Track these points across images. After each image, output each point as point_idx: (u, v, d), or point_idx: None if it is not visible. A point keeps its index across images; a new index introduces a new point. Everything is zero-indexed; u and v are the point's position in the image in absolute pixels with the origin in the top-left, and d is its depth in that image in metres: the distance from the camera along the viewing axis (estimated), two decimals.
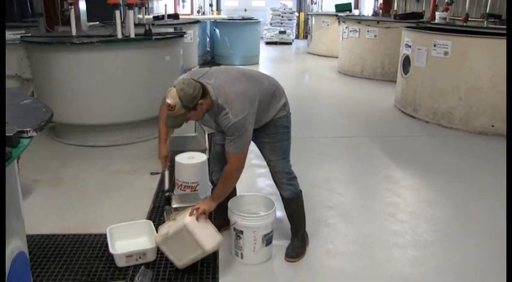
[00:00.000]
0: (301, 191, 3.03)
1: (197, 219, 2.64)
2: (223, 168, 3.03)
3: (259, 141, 2.89)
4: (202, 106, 2.48)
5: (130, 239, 3.01)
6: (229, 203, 2.92)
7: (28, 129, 1.60)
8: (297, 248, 3.03)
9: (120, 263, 2.83)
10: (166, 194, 3.13)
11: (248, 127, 2.52)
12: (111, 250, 2.84)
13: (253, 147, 3.00)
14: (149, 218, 3.44)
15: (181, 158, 3.61)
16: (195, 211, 2.65)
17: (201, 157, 3.64)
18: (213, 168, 3.12)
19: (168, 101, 2.40)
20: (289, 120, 2.88)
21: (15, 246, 1.67)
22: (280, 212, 3.34)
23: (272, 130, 2.82)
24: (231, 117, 2.46)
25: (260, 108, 2.65)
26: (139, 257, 2.85)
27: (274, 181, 2.97)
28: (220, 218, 3.22)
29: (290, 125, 2.90)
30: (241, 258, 2.92)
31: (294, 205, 3.02)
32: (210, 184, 3.78)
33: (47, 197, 3.87)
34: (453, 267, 2.98)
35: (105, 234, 2.97)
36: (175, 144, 4.61)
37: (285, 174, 2.91)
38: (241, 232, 2.85)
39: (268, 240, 2.90)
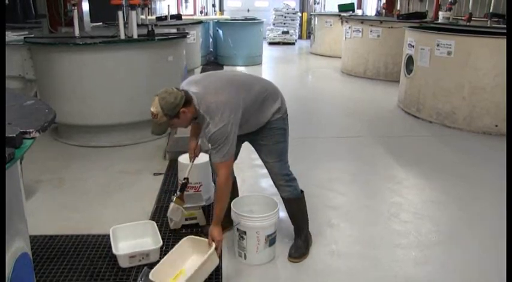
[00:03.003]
0: (302, 191, 3.02)
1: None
2: None
3: (256, 144, 2.89)
4: (185, 114, 2.51)
5: (133, 240, 3.01)
6: (233, 204, 2.92)
7: (31, 130, 1.60)
8: (300, 248, 3.03)
9: (123, 263, 2.83)
10: (184, 180, 3.12)
11: (230, 136, 2.51)
12: (114, 251, 2.84)
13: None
14: (152, 218, 3.44)
15: (185, 159, 3.59)
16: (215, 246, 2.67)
17: (204, 157, 3.63)
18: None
19: (151, 109, 2.48)
20: (285, 122, 2.86)
21: (18, 247, 1.67)
22: (284, 213, 3.33)
23: (268, 132, 2.81)
24: (211, 126, 2.49)
25: (248, 115, 2.65)
26: (142, 258, 2.85)
27: (273, 182, 2.97)
28: (223, 218, 3.21)
29: (287, 127, 2.88)
30: (245, 258, 2.92)
31: (294, 205, 3.01)
32: (213, 184, 3.78)
33: (50, 198, 3.87)
34: (457, 268, 2.96)
35: (108, 235, 2.98)
36: (178, 144, 4.63)
37: (283, 176, 2.91)
38: (245, 232, 2.84)
39: (271, 240, 2.90)
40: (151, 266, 2.80)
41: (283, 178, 2.91)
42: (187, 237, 2.88)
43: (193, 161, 3.15)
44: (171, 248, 2.89)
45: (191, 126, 3.06)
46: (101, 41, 4.92)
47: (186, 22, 9.99)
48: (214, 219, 2.73)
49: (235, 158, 3.08)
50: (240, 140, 2.89)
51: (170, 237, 3.16)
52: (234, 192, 3.23)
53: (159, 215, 3.50)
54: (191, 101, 2.52)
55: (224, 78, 2.73)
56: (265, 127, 2.80)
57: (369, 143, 5.50)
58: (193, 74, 9.40)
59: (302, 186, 3.10)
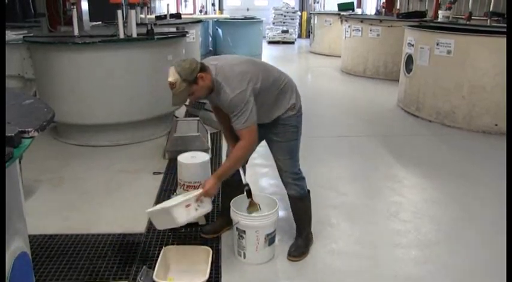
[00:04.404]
0: (308, 191, 3.03)
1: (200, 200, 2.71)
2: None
3: (268, 139, 2.90)
4: (203, 80, 2.55)
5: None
6: (232, 203, 2.92)
7: (30, 130, 1.59)
8: (300, 247, 3.02)
9: (181, 217, 2.63)
10: (246, 188, 2.95)
11: (249, 101, 2.55)
12: (169, 205, 2.66)
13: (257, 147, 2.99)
14: None
15: (184, 158, 3.59)
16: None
17: (204, 157, 3.62)
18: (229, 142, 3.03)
19: (169, 79, 2.53)
20: (299, 120, 2.88)
21: (17, 246, 1.67)
22: (283, 212, 3.34)
23: (281, 129, 2.83)
24: (229, 92, 2.53)
25: (263, 98, 2.67)
26: (198, 205, 2.70)
27: (281, 179, 2.97)
28: (223, 217, 3.21)
29: (300, 125, 2.90)
30: (244, 258, 2.91)
31: (299, 204, 3.02)
32: None
33: (49, 197, 3.86)
34: (457, 267, 2.96)
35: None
36: (177, 144, 4.62)
37: (292, 174, 2.91)
38: (244, 232, 2.84)
39: (271, 239, 2.90)
40: (151, 265, 2.79)
41: (291, 176, 2.91)
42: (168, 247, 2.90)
43: (242, 169, 2.97)
44: (171, 245, 2.91)
45: (226, 134, 2.96)
46: (100, 40, 4.91)
47: (186, 21, 9.98)
48: (215, 174, 2.77)
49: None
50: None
51: (170, 236, 3.16)
52: (236, 191, 3.20)
53: None
54: (207, 69, 2.58)
55: (244, 58, 2.81)
56: (279, 123, 2.81)
57: (369, 142, 5.49)
58: None
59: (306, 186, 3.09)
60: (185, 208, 2.65)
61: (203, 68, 2.56)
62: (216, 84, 2.59)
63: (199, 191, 2.72)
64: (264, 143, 2.94)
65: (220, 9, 20.08)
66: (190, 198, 2.67)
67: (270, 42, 16.79)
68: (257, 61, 2.87)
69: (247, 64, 2.70)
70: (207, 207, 2.78)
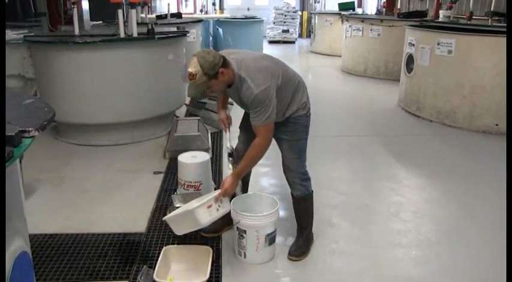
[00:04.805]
0: (312, 192, 3.03)
1: (220, 200, 2.73)
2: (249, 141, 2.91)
3: (278, 138, 2.90)
4: (223, 75, 2.52)
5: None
6: (232, 203, 2.92)
7: (30, 129, 1.59)
8: (301, 247, 3.03)
9: (204, 218, 2.63)
10: (229, 151, 3.05)
11: (272, 97, 2.56)
12: (191, 207, 2.67)
13: None
14: (153, 217, 3.44)
15: (184, 158, 3.60)
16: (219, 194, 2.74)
17: (204, 156, 3.63)
18: (239, 138, 3.11)
19: (190, 69, 2.47)
20: (308, 120, 2.90)
21: (17, 246, 1.67)
22: (284, 211, 3.34)
23: (291, 127, 2.84)
24: (254, 88, 2.51)
25: (282, 94, 2.67)
26: (219, 206, 2.72)
27: (287, 179, 2.97)
28: (223, 217, 3.21)
29: (309, 125, 2.92)
30: (244, 257, 2.91)
31: (303, 205, 3.02)
32: (213, 183, 3.79)
33: (49, 196, 3.87)
34: (458, 267, 2.96)
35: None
36: (178, 143, 4.62)
37: (299, 174, 2.92)
38: (244, 231, 2.84)
39: (271, 239, 2.90)
40: (151, 265, 2.79)
41: (298, 176, 2.92)
42: (168, 247, 2.91)
43: (229, 131, 3.11)
44: (171, 244, 2.91)
45: (219, 98, 3.10)
46: (101, 40, 4.91)
47: (186, 21, 9.99)
48: (233, 172, 2.78)
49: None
50: None
51: (170, 236, 3.16)
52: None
53: (159, 214, 3.49)
54: (229, 64, 2.55)
55: (260, 53, 2.84)
56: (290, 121, 2.82)
57: (369, 142, 5.49)
58: None
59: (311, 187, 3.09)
60: (207, 209, 2.66)
61: (225, 63, 2.52)
62: (238, 79, 2.57)
63: (218, 191, 2.73)
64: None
65: (221, 8, 20.07)
66: (210, 199, 2.69)
67: (270, 42, 16.78)
68: (274, 57, 2.86)
69: (267, 59, 2.71)
70: (226, 207, 2.79)
